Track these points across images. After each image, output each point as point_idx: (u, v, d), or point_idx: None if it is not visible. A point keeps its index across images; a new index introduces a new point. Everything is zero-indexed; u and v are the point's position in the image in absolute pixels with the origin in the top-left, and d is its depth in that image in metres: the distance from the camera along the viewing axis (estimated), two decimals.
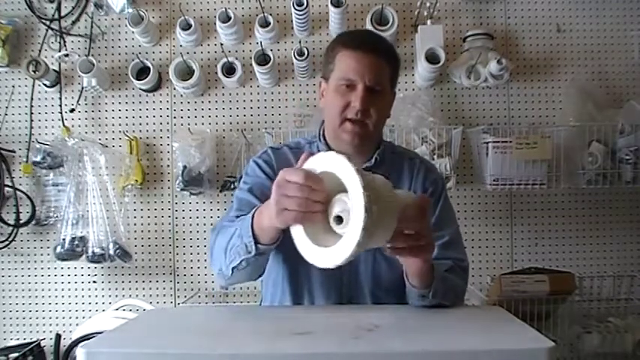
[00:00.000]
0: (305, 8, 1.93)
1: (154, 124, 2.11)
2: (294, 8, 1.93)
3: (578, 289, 1.88)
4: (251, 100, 2.09)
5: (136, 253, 2.05)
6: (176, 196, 2.08)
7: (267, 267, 1.19)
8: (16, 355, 1.83)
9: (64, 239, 1.98)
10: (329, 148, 1.24)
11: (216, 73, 2.04)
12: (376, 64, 1.16)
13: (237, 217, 1.12)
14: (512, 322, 0.94)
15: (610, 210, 2.08)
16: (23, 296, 2.11)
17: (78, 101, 2.08)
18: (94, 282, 2.10)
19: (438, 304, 1.04)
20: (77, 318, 2.09)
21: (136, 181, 2.03)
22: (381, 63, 1.17)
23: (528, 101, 2.08)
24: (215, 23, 2.02)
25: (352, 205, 0.79)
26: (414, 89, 2.08)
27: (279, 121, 2.08)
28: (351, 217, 0.79)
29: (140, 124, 2.11)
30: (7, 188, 2.03)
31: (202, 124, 2.09)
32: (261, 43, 1.98)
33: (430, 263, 1.00)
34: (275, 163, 1.25)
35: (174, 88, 2.07)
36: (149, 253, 2.09)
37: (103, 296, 2.09)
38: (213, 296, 2.07)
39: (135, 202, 2.08)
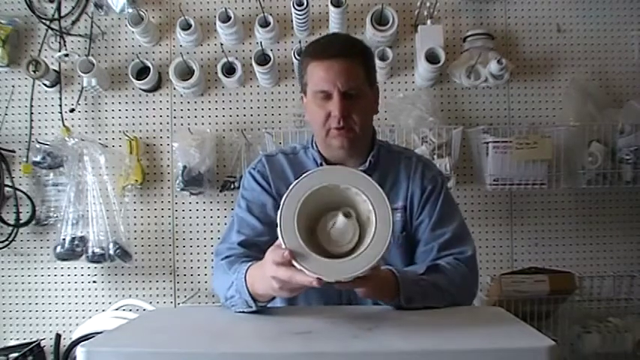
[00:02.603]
0: (305, 8, 1.93)
1: (154, 124, 2.11)
2: (294, 8, 1.93)
3: (578, 289, 1.88)
4: (251, 100, 2.09)
5: (136, 253, 2.05)
6: (176, 196, 2.08)
7: None
8: (16, 355, 1.83)
9: (64, 239, 1.98)
10: (322, 156, 1.24)
11: (216, 73, 2.04)
12: (346, 68, 1.14)
13: (240, 243, 1.15)
14: (512, 322, 0.94)
15: (610, 210, 2.08)
16: (23, 296, 2.11)
17: (78, 101, 2.08)
18: (94, 282, 2.10)
19: (427, 306, 1.03)
20: (77, 318, 2.09)
21: (136, 181, 2.03)
22: (351, 65, 1.15)
23: (528, 101, 2.08)
24: (215, 23, 2.02)
25: (377, 227, 0.83)
26: (414, 89, 2.08)
27: (279, 121, 2.08)
28: (372, 239, 0.83)
29: (140, 124, 2.11)
30: (7, 188, 2.03)
31: (202, 124, 2.09)
32: (261, 43, 1.98)
33: (373, 287, 0.97)
34: (269, 172, 1.25)
35: (174, 88, 2.07)
36: (149, 253, 2.09)
37: (103, 296, 2.09)
38: (213, 296, 2.07)
39: (135, 202, 2.08)
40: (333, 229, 0.87)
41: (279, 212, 0.87)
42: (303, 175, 0.89)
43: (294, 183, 0.88)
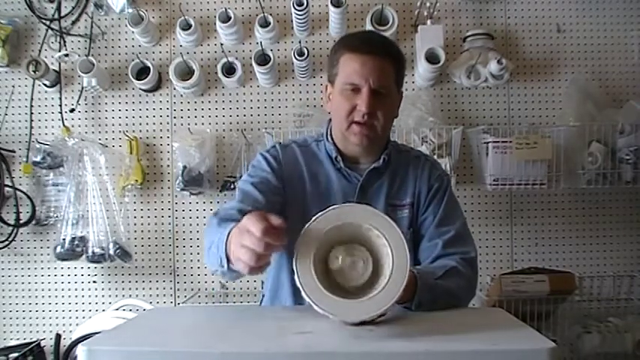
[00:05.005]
0: (305, 8, 1.93)
1: (154, 124, 2.11)
2: (294, 8, 1.93)
3: (578, 289, 1.88)
4: (251, 100, 2.09)
5: (136, 253, 2.05)
6: (176, 196, 2.08)
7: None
8: (16, 355, 1.83)
9: (64, 239, 1.98)
10: (336, 148, 1.25)
11: (216, 73, 2.04)
12: (380, 66, 1.16)
13: (239, 210, 1.10)
14: (512, 324, 0.94)
15: (610, 210, 2.08)
16: (23, 296, 2.11)
17: (78, 101, 2.08)
18: (94, 282, 2.10)
19: (430, 309, 1.03)
20: (77, 318, 2.09)
21: (136, 181, 2.03)
22: (385, 64, 1.17)
23: (528, 101, 2.08)
24: (215, 23, 2.02)
25: (395, 270, 0.84)
26: (414, 89, 2.08)
27: (279, 121, 2.08)
28: (386, 285, 0.83)
29: (140, 124, 2.11)
30: (7, 188, 2.03)
31: (202, 124, 2.09)
32: (261, 43, 1.98)
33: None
34: (282, 159, 1.26)
35: (175, 88, 2.07)
36: (149, 253, 2.09)
37: (103, 296, 2.09)
38: (213, 296, 2.07)
39: (135, 202, 2.08)
40: (342, 264, 0.88)
41: (295, 245, 0.87)
42: (324, 211, 0.89)
43: (315, 217, 0.88)
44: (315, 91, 2.07)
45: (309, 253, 0.85)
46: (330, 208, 0.90)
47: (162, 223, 2.10)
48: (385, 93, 1.17)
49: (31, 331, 2.10)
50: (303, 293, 0.84)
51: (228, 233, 0.93)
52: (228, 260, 0.93)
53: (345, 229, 0.88)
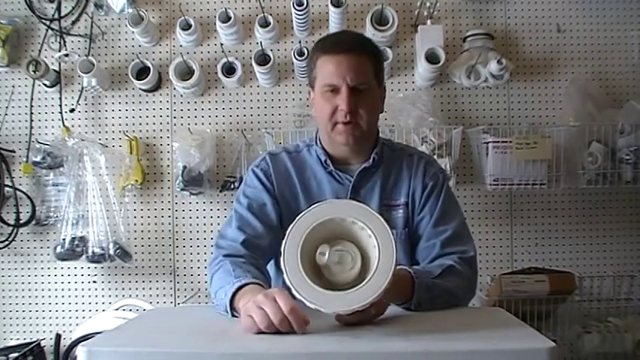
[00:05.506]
0: (305, 8, 1.93)
1: (154, 124, 2.11)
2: (294, 8, 1.93)
3: (578, 289, 1.88)
4: (251, 100, 2.09)
5: (136, 253, 2.05)
6: (176, 196, 2.08)
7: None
8: (16, 355, 1.82)
9: (64, 239, 1.98)
10: (326, 153, 1.24)
11: (216, 73, 2.04)
12: (356, 63, 1.16)
13: (242, 243, 1.16)
14: (512, 323, 0.94)
15: (610, 210, 2.08)
16: (23, 296, 2.11)
17: (78, 101, 2.08)
18: (94, 282, 2.10)
19: (430, 309, 1.03)
20: (77, 318, 2.09)
21: (136, 181, 2.03)
22: (361, 61, 1.17)
23: (528, 101, 2.08)
24: (215, 23, 2.02)
25: (381, 259, 0.84)
26: (414, 89, 2.08)
27: (279, 121, 2.08)
28: (374, 274, 0.83)
29: (140, 124, 2.11)
30: (7, 188, 2.03)
31: (202, 124, 2.09)
32: (261, 43, 1.98)
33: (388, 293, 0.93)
34: (272, 171, 1.26)
35: (175, 88, 2.07)
36: (149, 253, 2.09)
37: (103, 296, 2.09)
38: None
39: (135, 202, 2.08)
40: (329, 260, 0.88)
41: (282, 243, 0.87)
42: (309, 208, 0.90)
43: (300, 215, 0.89)
44: None
45: (295, 252, 0.86)
46: (314, 205, 0.90)
47: (163, 223, 2.10)
48: (365, 89, 1.17)
49: (31, 331, 2.10)
50: (292, 290, 0.84)
51: (239, 287, 0.97)
52: (233, 310, 0.98)
53: (330, 225, 0.89)
